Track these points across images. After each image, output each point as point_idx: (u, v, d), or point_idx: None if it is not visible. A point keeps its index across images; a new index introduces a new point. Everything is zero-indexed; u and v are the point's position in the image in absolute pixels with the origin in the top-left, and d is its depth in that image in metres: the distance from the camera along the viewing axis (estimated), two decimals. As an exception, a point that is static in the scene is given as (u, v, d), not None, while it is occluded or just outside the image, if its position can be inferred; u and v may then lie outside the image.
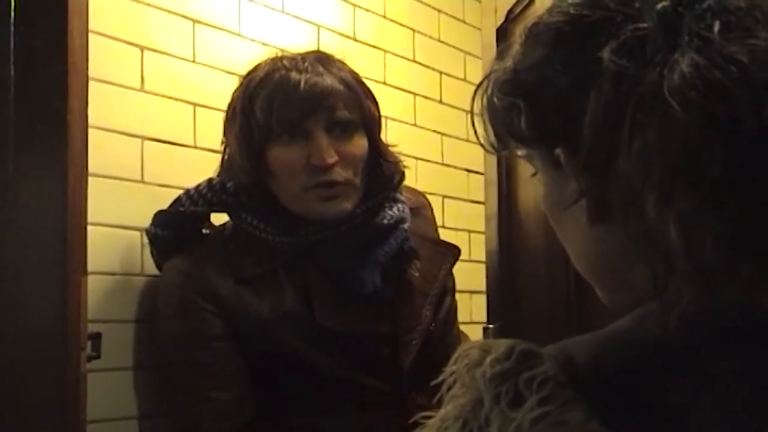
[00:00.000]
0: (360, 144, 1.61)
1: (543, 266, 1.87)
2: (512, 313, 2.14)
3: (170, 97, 1.86)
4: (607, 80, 0.65)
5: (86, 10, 1.52)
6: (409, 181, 1.80)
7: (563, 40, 0.70)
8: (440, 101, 2.62)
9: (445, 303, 1.74)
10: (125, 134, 1.76)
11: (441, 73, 2.64)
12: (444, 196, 2.58)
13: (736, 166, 0.60)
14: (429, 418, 0.64)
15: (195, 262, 1.61)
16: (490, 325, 2.23)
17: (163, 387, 1.69)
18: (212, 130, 1.78)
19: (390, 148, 1.70)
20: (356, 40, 2.37)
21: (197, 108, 1.91)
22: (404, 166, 1.72)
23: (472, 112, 0.79)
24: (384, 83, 2.43)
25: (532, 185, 0.79)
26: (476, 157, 2.59)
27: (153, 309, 1.69)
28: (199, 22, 1.94)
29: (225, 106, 1.67)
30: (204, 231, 1.70)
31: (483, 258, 2.51)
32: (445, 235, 2.09)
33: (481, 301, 2.48)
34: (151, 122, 1.81)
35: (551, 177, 0.76)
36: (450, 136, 2.61)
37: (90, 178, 1.53)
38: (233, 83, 1.68)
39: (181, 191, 1.68)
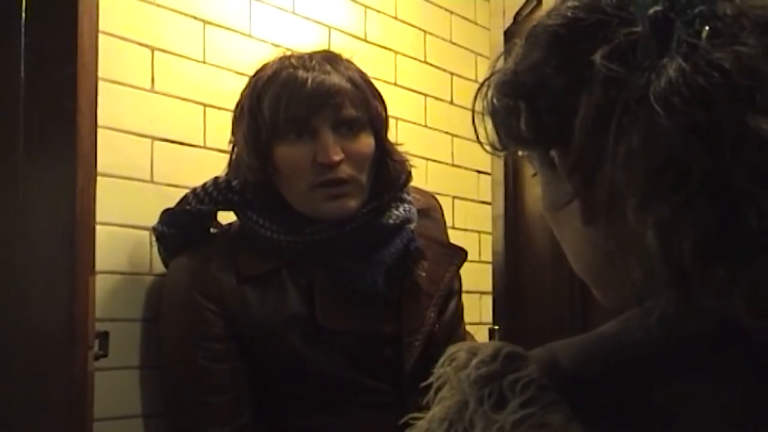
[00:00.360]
0: (366, 142, 1.61)
1: (549, 267, 1.87)
2: (518, 315, 2.14)
3: (180, 98, 1.87)
4: (598, 84, 0.65)
5: (96, 11, 1.53)
6: (418, 182, 1.80)
7: (559, 43, 0.71)
8: (451, 102, 2.63)
9: (451, 305, 1.74)
10: (135, 134, 1.78)
11: (452, 74, 2.65)
12: (454, 197, 2.59)
13: (717, 173, 0.60)
14: (419, 419, 0.65)
15: (200, 261, 1.61)
16: (497, 327, 2.23)
17: (163, 386, 1.70)
18: (222, 131, 1.79)
19: (398, 147, 1.70)
20: (367, 41, 2.37)
21: (207, 108, 1.92)
22: (411, 166, 1.72)
23: (473, 112, 0.79)
24: (395, 84, 2.43)
25: (538, 186, 0.80)
26: (486, 158, 2.58)
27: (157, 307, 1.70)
28: (209, 22, 1.95)
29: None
30: (211, 230, 1.71)
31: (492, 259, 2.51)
32: (454, 235, 2.10)
33: (491, 302, 2.48)
34: (161, 122, 1.83)
35: (547, 178, 0.76)
36: (460, 137, 2.61)
37: (99, 178, 1.55)
38: (243, 84, 1.68)
39: (190, 192, 1.69)
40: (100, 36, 1.56)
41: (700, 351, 0.64)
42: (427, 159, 2.48)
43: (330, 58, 1.62)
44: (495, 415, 0.60)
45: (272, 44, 2.07)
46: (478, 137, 0.79)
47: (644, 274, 0.63)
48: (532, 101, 0.72)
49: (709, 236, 0.61)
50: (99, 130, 1.53)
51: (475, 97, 0.78)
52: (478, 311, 2.53)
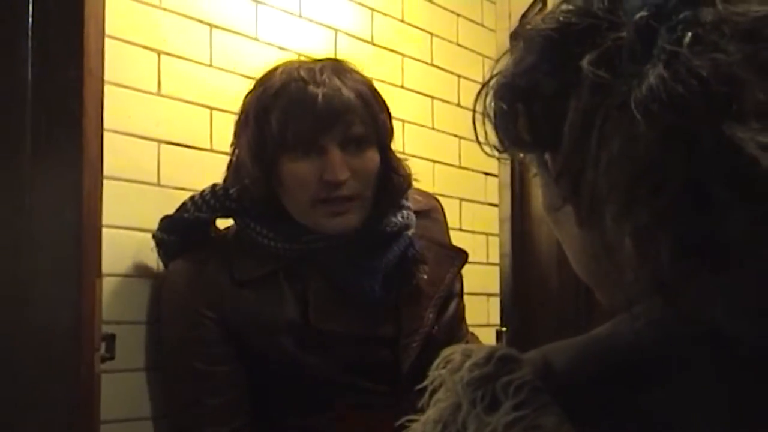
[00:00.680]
0: (372, 158, 1.61)
1: (555, 269, 1.87)
2: (525, 317, 2.14)
3: (187, 101, 1.88)
4: (586, 89, 0.65)
5: (103, 15, 1.54)
6: (426, 184, 1.81)
7: (551, 48, 0.71)
8: (458, 104, 2.63)
9: (450, 307, 1.74)
10: (142, 137, 1.78)
11: (459, 76, 2.65)
12: (461, 199, 2.59)
13: (694, 180, 0.60)
14: (414, 421, 0.65)
15: (196, 265, 1.62)
16: (503, 329, 2.23)
17: (163, 386, 1.71)
18: (228, 134, 1.78)
19: (403, 161, 1.70)
20: (374, 44, 2.37)
21: (213, 112, 1.93)
22: (414, 179, 1.72)
23: (474, 113, 0.80)
24: (402, 87, 2.44)
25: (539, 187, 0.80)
26: (493, 160, 2.53)
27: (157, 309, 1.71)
28: (216, 26, 1.96)
29: (240, 110, 1.68)
30: (211, 235, 1.72)
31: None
32: (462, 237, 2.10)
33: (498, 303, 2.48)
34: (168, 126, 1.83)
35: (545, 180, 0.77)
36: (468, 139, 2.60)
37: (106, 181, 1.55)
38: (249, 87, 1.68)
39: (197, 194, 1.70)
40: (107, 39, 1.56)
41: (688, 354, 0.64)
42: (435, 161, 2.48)
43: (338, 70, 1.61)
44: (488, 417, 0.60)
45: (279, 48, 2.08)
46: (478, 139, 0.80)
47: (629, 279, 0.63)
48: (528, 105, 0.73)
49: (687, 244, 0.61)
50: (105, 134, 1.53)
51: (476, 100, 0.79)
52: (485, 313, 2.53)
